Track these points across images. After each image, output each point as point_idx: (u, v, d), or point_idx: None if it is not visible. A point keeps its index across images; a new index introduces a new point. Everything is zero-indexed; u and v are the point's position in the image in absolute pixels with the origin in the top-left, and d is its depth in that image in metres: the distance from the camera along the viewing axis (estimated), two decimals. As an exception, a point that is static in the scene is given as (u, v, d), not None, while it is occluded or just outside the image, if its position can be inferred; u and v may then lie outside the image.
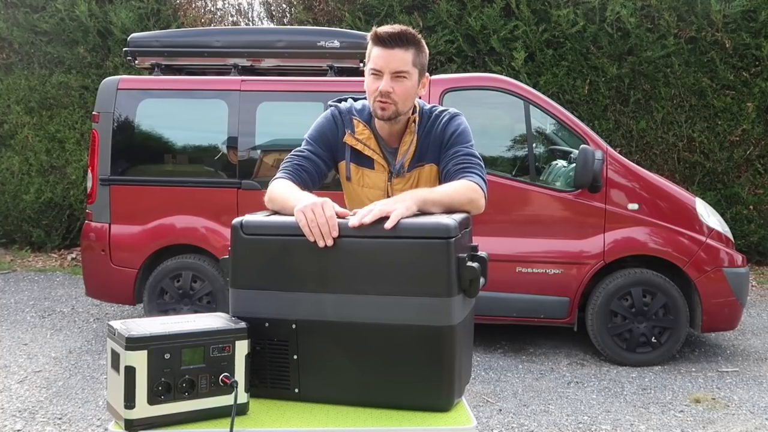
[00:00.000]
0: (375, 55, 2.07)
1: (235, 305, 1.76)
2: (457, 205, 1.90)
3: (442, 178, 2.12)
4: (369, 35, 2.07)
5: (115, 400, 1.58)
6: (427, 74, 2.16)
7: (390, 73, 2.04)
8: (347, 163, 2.17)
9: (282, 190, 1.96)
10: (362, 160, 2.17)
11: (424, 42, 2.12)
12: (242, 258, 1.75)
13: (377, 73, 2.06)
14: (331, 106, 2.23)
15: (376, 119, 2.14)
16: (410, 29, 2.07)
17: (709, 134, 8.32)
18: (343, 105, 2.22)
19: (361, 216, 1.69)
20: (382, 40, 2.04)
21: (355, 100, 2.25)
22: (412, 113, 2.16)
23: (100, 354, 5.23)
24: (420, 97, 2.19)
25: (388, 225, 1.66)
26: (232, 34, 6.17)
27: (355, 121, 2.17)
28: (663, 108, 8.32)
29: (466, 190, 1.97)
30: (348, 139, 2.16)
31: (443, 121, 2.15)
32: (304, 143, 2.18)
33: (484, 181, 2.06)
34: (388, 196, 2.11)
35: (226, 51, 5.69)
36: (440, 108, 2.21)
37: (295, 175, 2.08)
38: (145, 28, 8.87)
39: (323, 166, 2.15)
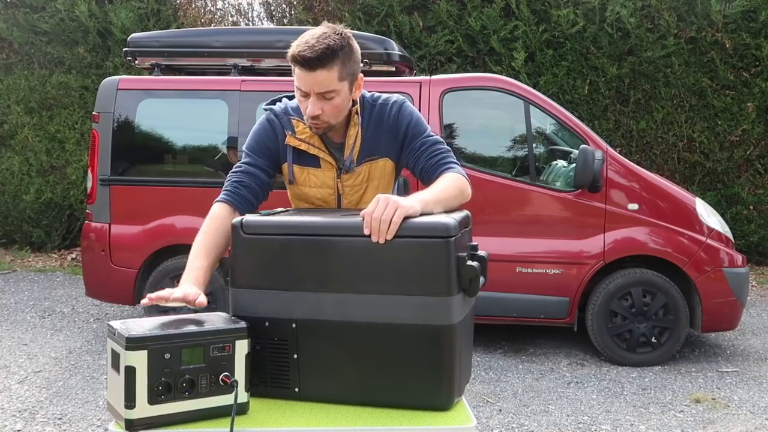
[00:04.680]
0: (298, 75, 1.91)
1: (235, 305, 1.76)
2: (451, 200, 1.88)
3: (418, 174, 2.06)
4: (288, 54, 1.88)
5: (116, 400, 1.58)
6: (360, 75, 2.01)
7: (316, 94, 1.92)
8: (289, 166, 2.07)
9: (194, 245, 1.93)
10: (306, 160, 2.07)
11: (351, 42, 1.95)
12: (242, 257, 1.75)
13: (305, 94, 1.94)
14: (266, 110, 2.13)
15: None
16: (330, 41, 1.88)
17: (709, 134, 8.32)
18: (278, 107, 2.12)
19: (377, 232, 1.63)
20: (300, 63, 1.88)
21: (290, 98, 2.14)
22: (353, 105, 2.05)
23: (100, 354, 5.23)
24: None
25: (391, 233, 1.62)
26: (232, 34, 6.17)
27: (294, 121, 2.06)
28: (663, 108, 8.33)
29: (456, 182, 1.94)
30: (290, 140, 2.06)
31: (393, 110, 2.06)
32: (243, 155, 2.10)
33: (458, 165, 2.05)
34: (339, 194, 2.08)
35: (226, 51, 5.69)
36: (383, 96, 2.11)
37: (235, 195, 2.03)
38: (145, 28, 8.87)
39: (264, 176, 2.07)
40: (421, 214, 1.72)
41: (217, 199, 2.06)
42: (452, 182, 1.94)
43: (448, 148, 2.10)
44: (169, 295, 1.76)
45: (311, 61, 1.86)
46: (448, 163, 2.03)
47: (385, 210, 1.63)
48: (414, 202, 1.71)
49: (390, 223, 1.61)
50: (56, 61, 9.35)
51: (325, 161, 2.07)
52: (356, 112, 2.05)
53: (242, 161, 2.09)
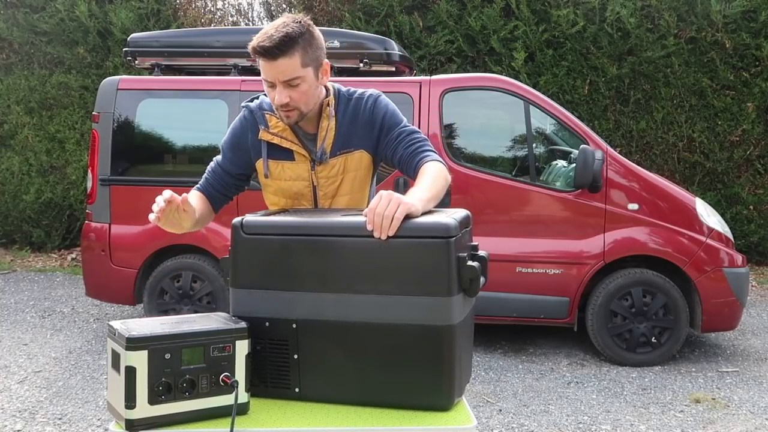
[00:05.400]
0: (262, 66, 1.96)
1: (236, 305, 1.76)
2: (441, 192, 1.90)
3: (396, 163, 2.09)
4: (249, 47, 1.95)
5: (116, 400, 1.58)
6: (325, 61, 2.04)
7: (281, 83, 1.96)
8: (264, 161, 2.11)
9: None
10: (280, 154, 2.10)
11: (311, 29, 1.98)
12: (242, 257, 1.75)
13: (271, 84, 1.98)
14: (243, 107, 2.19)
15: None
16: (288, 29, 1.92)
17: (709, 134, 8.32)
18: (254, 103, 2.17)
19: (381, 228, 1.63)
20: (262, 54, 1.92)
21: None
22: (326, 96, 2.09)
23: (100, 354, 5.23)
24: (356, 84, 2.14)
25: (393, 229, 1.63)
26: (232, 34, 6.16)
27: (267, 116, 2.11)
28: (663, 108, 8.33)
29: (440, 173, 1.95)
30: (263, 135, 2.10)
31: (368, 104, 2.09)
32: (220, 154, 2.19)
33: (436, 153, 2.08)
34: (314, 186, 2.10)
35: (226, 51, 5.69)
36: (359, 90, 2.14)
37: (205, 188, 2.17)
38: (145, 28, 8.87)
39: (230, 180, 2.17)
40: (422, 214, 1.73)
41: (196, 187, 2.19)
42: (437, 174, 1.94)
43: (425, 137, 2.12)
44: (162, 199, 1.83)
45: (271, 50, 1.91)
46: (425, 151, 2.05)
47: (387, 206, 1.63)
48: (415, 200, 1.72)
49: (392, 219, 1.62)
50: (56, 61, 9.35)
51: (298, 154, 2.10)
52: (328, 104, 2.08)
53: (217, 160, 2.20)
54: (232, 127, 2.18)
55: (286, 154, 2.10)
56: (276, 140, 2.09)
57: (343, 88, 2.14)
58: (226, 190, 2.19)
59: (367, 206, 1.88)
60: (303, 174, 2.10)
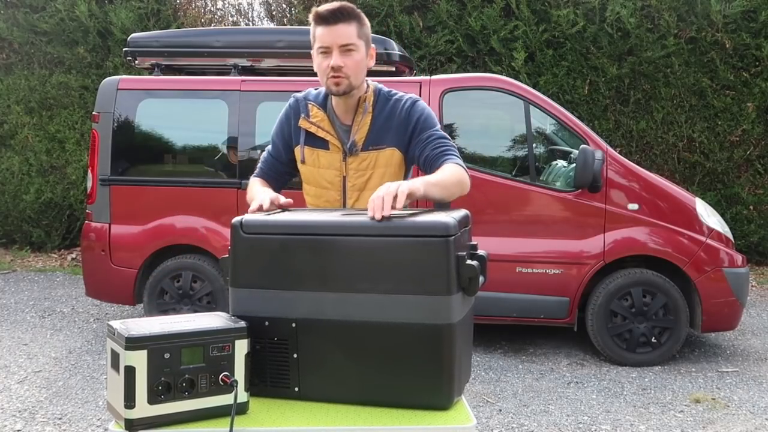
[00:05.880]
0: (320, 34, 2.11)
1: (235, 304, 1.76)
2: (451, 187, 2.02)
3: (421, 163, 2.18)
4: (310, 16, 2.13)
5: (115, 400, 1.58)
6: (373, 46, 2.21)
7: (338, 47, 2.09)
8: (302, 147, 2.24)
9: (252, 185, 2.28)
10: (317, 142, 2.23)
11: (364, 15, 2.18)
12: (242, 257, 1.75)
13: (326, 50, 2.11)
14: (291, 97, 2.34)
15: (332, 99, 2.22)
16: (348, 3, 2.13)
17: (709, 134, 8.32)
18: (300, 94, 2.31)
19: (376, 208, 1.70)
20: (324, 18, 2.09)
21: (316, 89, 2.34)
22: (365, 92, 2.22)
23: (100, 354, 5.24)
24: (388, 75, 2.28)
25: (397, 204, 1.72)
26: (232, 34, 6.17)
27: (310, 106, 2.24)
28: (663, 108, 8.33)
29: (456, 172, 2.07)
30: (302, 122, 2.24)
31: (405, 105, 2.21)
32: (270, 144, 2.35)
33: (460, 158, 2.18)
34: (344, 176, 2.22)
35: (226, 51, 5.69)
36: (399, 93, 2.27)
37: (265, 175, 2.34)
38: (145, 28, 8.87)
39: (281, 167, 2.33)
40: (420, 212, 1.73)
41: (252, 176, 2.36)
42: (452, 171, 2.06)
43: (454, 145, 2.22)
44: (259, 206, 1.93)
45: (333, 14, 2.08)
46: (450, 154, 2.15)
47: (386, 191, 1.72)
48: (416, 181, 1.85)
49: (391, 198, 1.69)
50: (56, 61, 9.35)
51: (333, 144, 2.22)
52: (365, 99, 2.20)
53: (267, 151, 2.36)
54: (279, 116, 2.32)
55: (322, 143, 2.22)
56: (313, 129, 2.22)
57: (385, 88, 2.26)
58: (280, 177, 2.34)
59: None
60: (335, 164, 2.22)
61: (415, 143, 2.18)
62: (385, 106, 2.21)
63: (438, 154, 2.14)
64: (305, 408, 1.69)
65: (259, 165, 2.37)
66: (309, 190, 2.29)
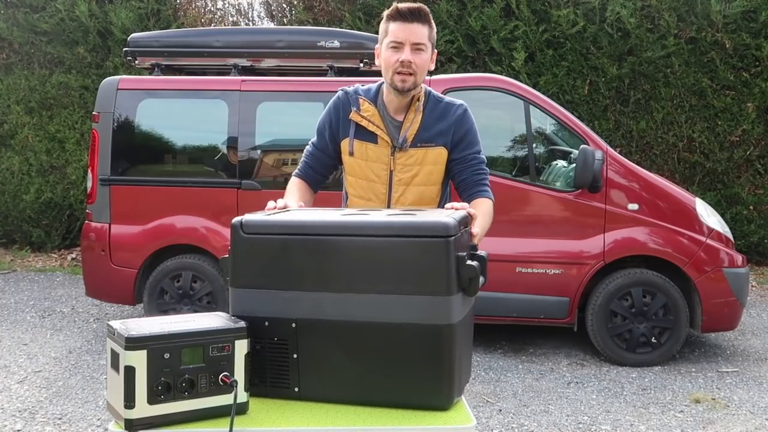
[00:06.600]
0: (395, 29, 2.20)
1: (235, 304, 1.76)
2: (487, 228, 2.17)
3: (458, 182, 2.31)
4: (387, 12, 2.23)
5: (115, 400, 1.58)
6: (435, 50, 2.31)
7: (410, 44, 2.19)
8: (351, 140, 2.31)
9: (287, 190, 2.33)
10: (366, 136, 2.30)
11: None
12: (242, 257, 1.75)
13: (398, 46, 2.20)
14: (338, 90, 2.39)
15: (384, 95, 2.30)
16: (425, 6, 2.23)
17: (709, 134, 8.32)
18: (351, 88, 2.38)
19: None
20: (402, 15, 2.19)
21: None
22: (419, 91, 2.29)
23: (100, 354, 5.24)
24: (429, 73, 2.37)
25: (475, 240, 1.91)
26: (232, 34, 6.17)
27: (361, 100, 2.31)
28: (663, 108, 8.32)
29: (491, 211, 2.25)
30: (353, 116, 2.30)
31: (459, 110, 2.31)
32: (315, 135, 2.40)
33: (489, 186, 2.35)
34: (391, 170, 2.28)
35: (226, 51, 5.69)
36: (449, 98, 2.36)
37: (304, 172, 2.40)
38: (145, 28, 8.87)
39: (327, 160, 2.38)
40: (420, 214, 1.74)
41: (294, 173, 2.42)
42: (488, 212, 2.23)
43: (488, 170, 2.37)
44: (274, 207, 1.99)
45: (412, 13, 2.19)
46: (485, 185, 2.31)
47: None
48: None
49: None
50: (56, 61, 9.34)
51: (382, 139, 2.29)
52: (418, 98, 2.29)
53: (312, 142, 2.42)
54: (326, 109, 2.38)
55: (371, 137, 2.30)
56: (364, 122, 2.29)
57: (435, 92, 2.36)
58: (325, 170, 2.41)
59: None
60: (383, 158, 2.29)
61: (458, 159, 2.29)
62: (435, 107, 2.30)
63: (476, 182, 2.28)
64: (305, 408, 1.69)
65: (302, 159, 2.41)
66: (353, 182, 2.34)
